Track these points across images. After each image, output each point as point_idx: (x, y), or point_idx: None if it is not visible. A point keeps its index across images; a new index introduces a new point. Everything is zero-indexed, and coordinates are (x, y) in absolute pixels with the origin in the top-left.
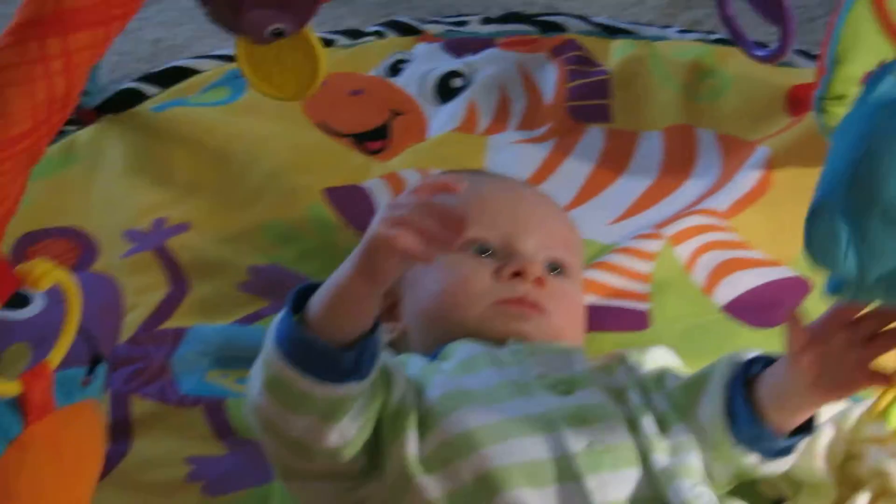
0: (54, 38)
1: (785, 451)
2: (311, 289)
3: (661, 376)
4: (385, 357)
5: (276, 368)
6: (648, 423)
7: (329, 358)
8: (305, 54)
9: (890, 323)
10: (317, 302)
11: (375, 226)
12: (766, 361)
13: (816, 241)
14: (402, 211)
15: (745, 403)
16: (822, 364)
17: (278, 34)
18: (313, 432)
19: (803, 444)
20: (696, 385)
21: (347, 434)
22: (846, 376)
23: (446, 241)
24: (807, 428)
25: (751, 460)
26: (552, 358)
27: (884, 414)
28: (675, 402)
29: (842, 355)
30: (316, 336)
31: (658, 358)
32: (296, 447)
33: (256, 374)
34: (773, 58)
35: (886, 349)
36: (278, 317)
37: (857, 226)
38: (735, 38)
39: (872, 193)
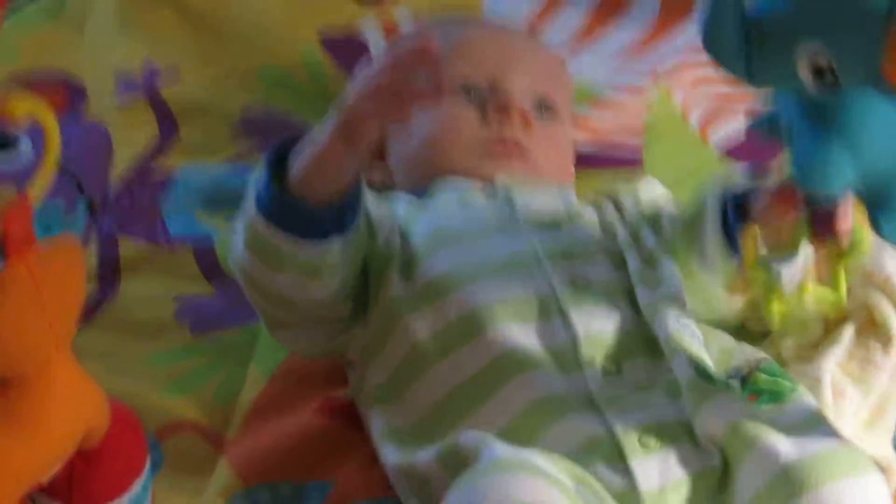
0: None
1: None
2: (288, 144)
3: (656, 214)
4: (370, 201)
5: (256, 228)
6: (633, 259)
7: (310, 217)
8: None
9: None
10: (296, 164)
11: (350, 94)
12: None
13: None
14: (373, 76)
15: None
16: None
17: None
18: (297, 288)
19: None
20: (692, 216)
21: (331, 286)
22: None
23: (424, 97)
24: None
25: None
26: (540, 195)
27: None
28: (674, 238)
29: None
30: (295, 198)
31: (648, 190)
32: (280, 301)
33: (239, 232)
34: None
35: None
36: (256, 175)
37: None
38: None
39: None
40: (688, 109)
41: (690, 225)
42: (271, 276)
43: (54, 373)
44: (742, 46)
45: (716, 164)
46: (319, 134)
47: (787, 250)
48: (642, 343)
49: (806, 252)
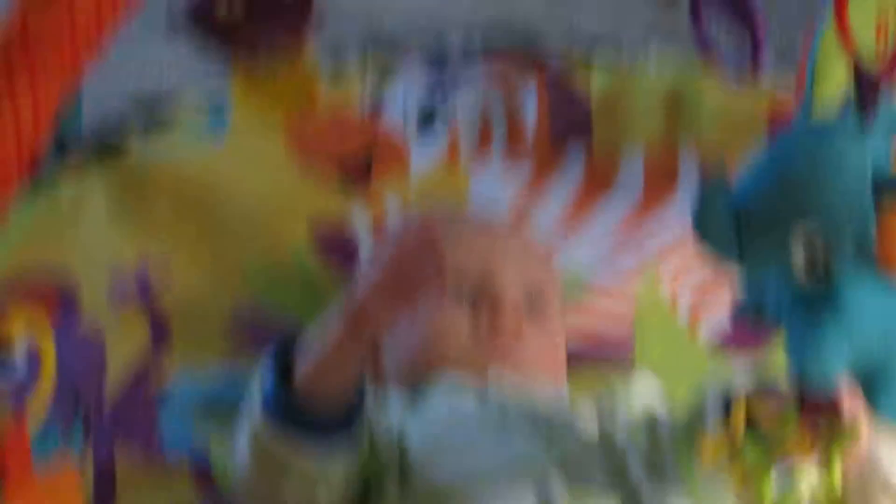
0: (22, 74)
1: None
2: (290, 342)
3: (652, 421)
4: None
5: (263, 434)
6: (635, 466)
7: (318, 420)
8: (298, 81)
9: None
10: (302, 362)
11: (356, 289)
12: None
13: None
14: (381, 273)
15: None
16: None
17: (271, 55)
18: (304, 495)
19: None
20: (691, 423)
21: (337, 492)
22: None
23: (427, 290)
24: None
25: None
26: (534, 395)
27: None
28: (674, 446)
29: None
30: (306, 402)
31: (644, 390)
32: None
33: (242, 444)
34: (743, 73)
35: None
36: (260, 377)
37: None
38: (703, 50)
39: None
40: (675, 299)
41: (690, 431)
42: (277, 484)
43: None
44: (732, 234)
45: (706, 358)
46: (324, 330)
47: (775, 435)
48: None
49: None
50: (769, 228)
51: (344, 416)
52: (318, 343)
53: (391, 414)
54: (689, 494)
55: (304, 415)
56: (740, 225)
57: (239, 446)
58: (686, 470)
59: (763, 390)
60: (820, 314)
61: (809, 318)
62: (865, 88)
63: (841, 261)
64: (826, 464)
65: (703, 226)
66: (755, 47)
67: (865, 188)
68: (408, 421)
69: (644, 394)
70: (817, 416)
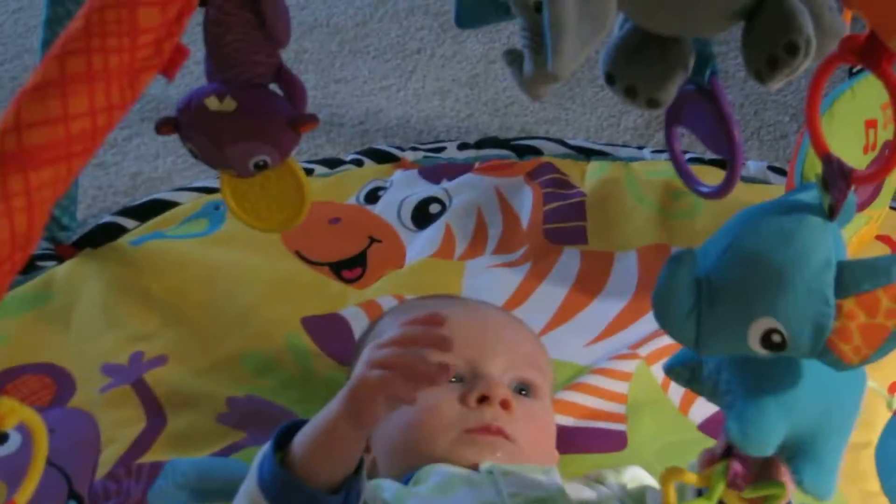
0: (15, 175)
1: None
2: (292, 429)
3: (641, 494)
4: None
5: None
6: None
7: (316, 499)
8: (290, 184)
9: None
10: (301, 444)
11: (360, 369)
12: None
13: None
14: (384, 353)
15: None
16: None
17: (262, 166)
18: None
19: None
20: None
21: None
22: None
23: (430, 376)
24: None
25: None
26: (526, 479)
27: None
28: None
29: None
30: (301, 480)
31: (635, 476)
32: None
33: None
34: (718, 195)
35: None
36: (259, 459)
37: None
38: (681, 175)
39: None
40: (667, 383)
41: None
42: None
43: None
44: (691, 316)
45: (697, 439)
46: (326, 411)
47: (706, 499)
48: None
49: None
50: (729, 302)
51: (342, 498)
52: (318, 423)
53: (385, 490)
54: None
55: (300, 494)
56: (700, 293)
57: None
58: None
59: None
60: (762, 390)
61: (751, 394)
62: (837, 181)
63: (797, 350)
64: None
65: (663, 304)
66: (730, 175)
67: (829, 277)
68: (402, 498)
69: (637, 475)
70: (743, 478)
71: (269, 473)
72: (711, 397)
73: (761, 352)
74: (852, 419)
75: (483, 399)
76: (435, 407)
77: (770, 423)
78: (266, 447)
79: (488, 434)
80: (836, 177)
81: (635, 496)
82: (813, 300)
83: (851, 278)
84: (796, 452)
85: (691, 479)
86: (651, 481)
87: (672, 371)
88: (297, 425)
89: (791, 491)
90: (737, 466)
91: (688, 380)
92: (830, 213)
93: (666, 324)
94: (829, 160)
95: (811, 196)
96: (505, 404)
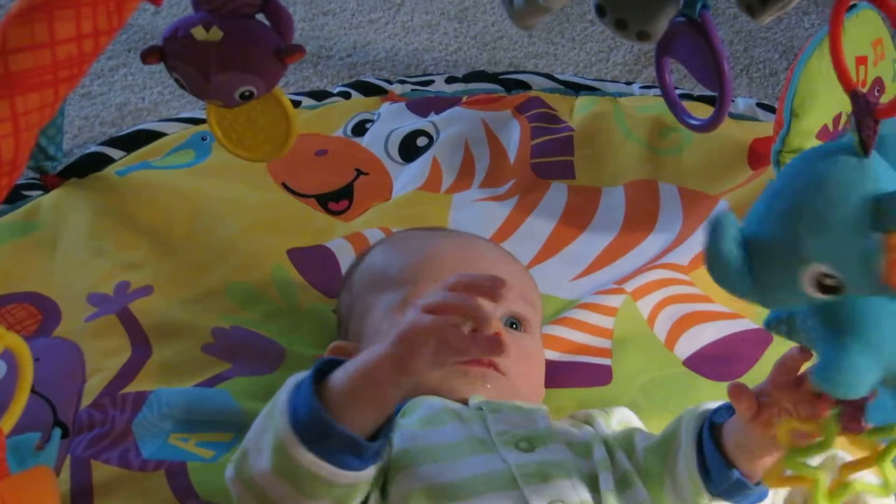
0: (1, 101)
1: (761, 497)
2: (328, 365)
3: (630, 437)
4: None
5: (292, 454)
6: (606, 481)
7: (355, 446)
8: (276, 115)
9: None
10: (340, 384)
11: (411, 314)
12: (730, 408)
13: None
14: (437, 297)
15: (716, 455)
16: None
17: (248, 96)
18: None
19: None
20: (665, 445)
21: None
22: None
23: (482, 317)
24: None
25: None
26: (514, 415)
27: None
28: (646, 465)
29: (793, 412)
30: (342, 425)
31: (623, 418)
32: None
33: (264, 452)
34: (708, 127)
35: (831, 405)
36: (289, 395)
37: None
38: (670, 107)
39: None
40: (653, 318)
41: (664, 452)
42: (298, 500)
43: None
44: (744, 271)
45: (682, 374)
46: (368, 355)
47: (819, 446)
48: None
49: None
50: (776, 255)
51: (379, 444)
52: (359, 368)
53: None
54: None
55: (338, 438)
56: (752, 262)
57: (255, 457)
58: (656, 490)
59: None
60: (843, 333)
61: (833, 338)
62: (865, 117)
63: (856, 288)
64: (880, 470)
65: (714, 264)
66: (719, 108)
67: (867, 213)
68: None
69: (625, 417)
70: (857, 423)
71: (305, 413)
72: (809, 346)
73: (821, 296)
74: None
75: (474, 332)
76: None
77: (853, 365)
78: (301, 381)
79: (480, 366)
80: (863, 113)
81: (623, 439)
82: (855, 237)
83: (892, 211)
84: None
85: (807, 427)
86: (638, 423)
87: (770, 326)
88: (335, 363)
89: None
90: (849, 411)
91: (787, 333)
92: (864, 150)
93: (723, 284)
94: (855, 96)
95: (846, 139)
96: (497, 327)
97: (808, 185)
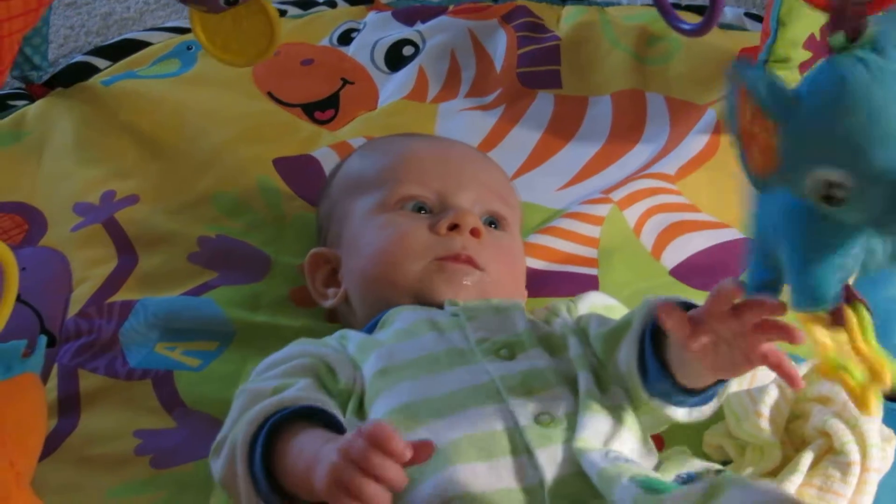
0: None
1: (701, 402)
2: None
3: (585, 326)
4: (329, 350)
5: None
6: (586, 379)
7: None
8: (261, 20)
9: (769, 312)
10: (289, 483)
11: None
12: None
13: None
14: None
15: (653, 358)
16: (713, 351)
17: (233, 2)
18: None
19: (722, 392)
20: (616, 333)
21: None
22: (739, 360)
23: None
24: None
25: (668, 412)
26: (492, 319)
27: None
28: (598, 350)
29: (731, 343)
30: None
31: (593, 302)
32: None
33: (237, 492)
34: (699, 32)
35: (772, 338)
36: (248, 476)
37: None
38: (660, 11)
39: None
40: (640, 228)
41: (614, 341)
42: None
43: None
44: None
45: (668, 283)
46: (306, 467)
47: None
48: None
49: None
50: (799, 157)
51: None
52: (300, 475)
53: (349, 342)
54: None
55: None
56: (790, 108)
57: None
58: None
59: None
60: (824, 240)
61: (812, 240)
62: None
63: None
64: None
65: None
66: (711, 12)
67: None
68: (364, 354)
69: (595, 300)
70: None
71: (265, 489)
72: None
73: (818, 200)
74: None
75: (453, 227)
76: (405, 235)
77: (822, 282)
78: (254, 456)
79: (458, 263)
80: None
81: (581, 329)
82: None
83: None
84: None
85: (824, 320)
86: (611, 301)
87: (745, 286)
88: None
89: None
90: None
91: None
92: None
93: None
94: None
95: None
96: (475, 233)
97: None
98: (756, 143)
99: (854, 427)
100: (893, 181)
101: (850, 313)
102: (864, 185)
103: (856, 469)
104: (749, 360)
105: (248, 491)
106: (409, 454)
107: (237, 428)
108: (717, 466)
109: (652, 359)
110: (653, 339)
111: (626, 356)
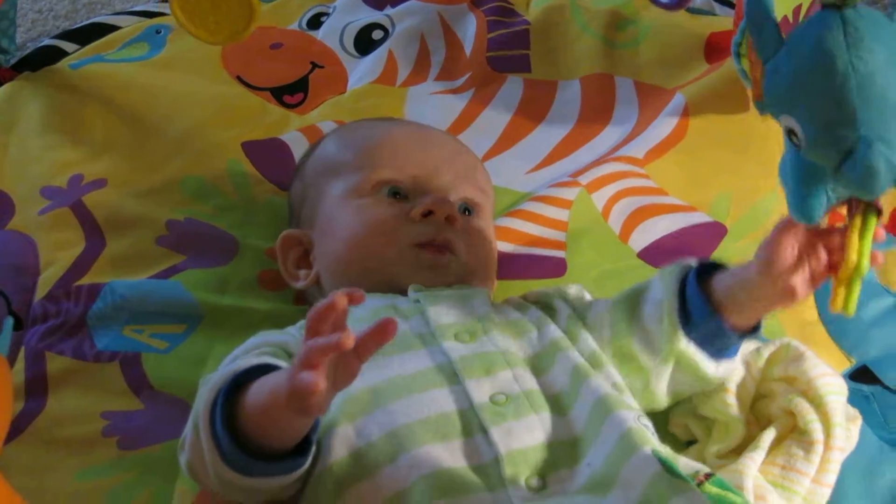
0: None
1: (735, 351)
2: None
3: (585, 309)
4: (286, 335)
5: (237, 482)
6: (573, 357)
7: (284, 466)
8: (239, 1)
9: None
10: (252, 419)
11: (294, 377)
12: (710, 266)
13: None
14: (309, 355)
15: (700, 299)
16: (805, 284)
17: None
18: (275, 494)
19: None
20: (635, 294)
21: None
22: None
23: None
24: (755, 330)
25: (700, 363)
26: (453, 305)
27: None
28: (616, 315)
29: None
30: (266, 457)
31: (576, 292)
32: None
33: (209, 475)
34: (676, 6)
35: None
36: (209, 427)
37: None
38: None
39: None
40: (608, 211)
41: (631, 303)
42: (252, 499)
43: None
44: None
45: (636, 266)
46: (268, 399)
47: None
48: (565, 451)
49: None
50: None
51: (304, 459)
52: (264, 409)
53: None
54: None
55: (260, 465)
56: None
57: (206, 473)
58: (622, 344)
59: None
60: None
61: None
62: None
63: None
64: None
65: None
66: None
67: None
68: None
69: (577, 294)
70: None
71: (230, 451)
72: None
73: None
74: None
75: (429, 213)
76: (382, 222)
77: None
78: (216, 406)
79: (434, 252)
80: None
81: (581, 315)
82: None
83: None
84: None
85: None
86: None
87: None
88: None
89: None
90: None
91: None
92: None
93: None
94: None
95: None
96: (451, 219)
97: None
98: (753, 71)
99: (819, 406)
100: (843, 148)
101: (857, 218)
102: (815, 141)
103: (819, 448)
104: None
105: (214, 459)
106: (343, 301)
107: (197, 403)
108: (707, 469)
109: (698, 299)
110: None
111: (658, 307)
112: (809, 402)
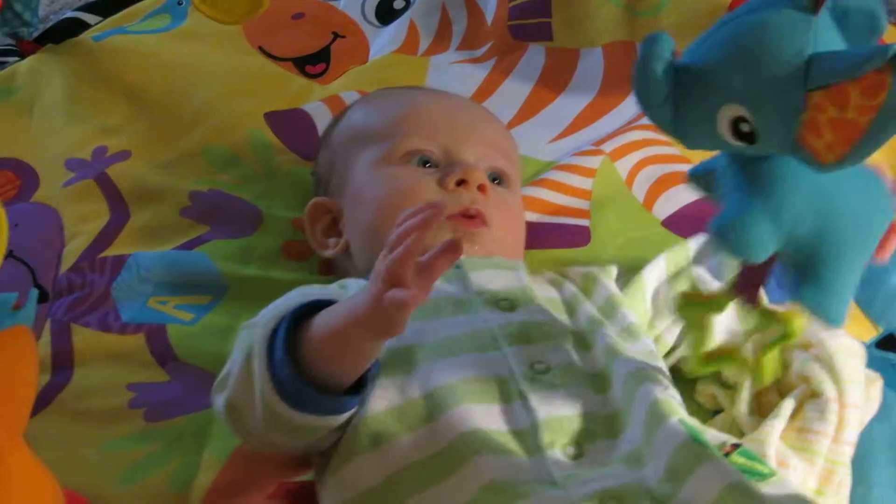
0: None
1: None
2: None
3: (613, 301)
4: (326, 290)
5: (279, 412)
6: (607, 334)
7: (338, 404)
8: None
9: None
10: (318, 345)
11: (378, 290)
12: None
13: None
14: (392, 265)
15: None
16: None
17: None
18: (318, 443)
19: None
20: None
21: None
22: None
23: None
24: None
25: None
26: (494, 273)
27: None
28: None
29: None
30: (321, 390)
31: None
32: (288, 449)
33: (255, 411)
34: None
35: None
36: (265, 354)
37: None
38: None
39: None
40: (632, 179)
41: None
42: (290, 441)
43: (8, 463)
44: (667, 95)
45: (660, 234)
46: (343, 321)
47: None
48: (603, 423)
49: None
50: (701, 87)
51: (361, 396)
52: (335, 333)
53: (350, 290)
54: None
55: (319, 400)
56: (678, 80)
57: (253, 410)
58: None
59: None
60: (750, 192)
61: (740, 195)
62: None
63: (767, 141)
64: (757, 359)
65: (641, 85)
66: None
67: (798, 68)
68: None
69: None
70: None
71: (288, 382)
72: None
73: (733, 142)
74: (862, 238)
75: (461, 183)
76: (414, 189)
77: (751, 224)
78: (276, 337)
79: (466, 222)
80: None
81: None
82: (780, 89)
83: (820, 70)
84: (797, 267)
85: (701, 297)
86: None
87: (692, 178)
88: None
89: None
90: (746, 277)
91: (705, 187)
92: (814, 6)
93: (645, 106)
94: None
95: None
96: (482, 188)
97: (750, 25)
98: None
99: (830, 367)
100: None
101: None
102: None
103: (833, 406)
104: None
105: (268, 389)
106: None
107: (246, 338)
108: (734, 440)
109: None
110: None
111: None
112: (821, 363)
